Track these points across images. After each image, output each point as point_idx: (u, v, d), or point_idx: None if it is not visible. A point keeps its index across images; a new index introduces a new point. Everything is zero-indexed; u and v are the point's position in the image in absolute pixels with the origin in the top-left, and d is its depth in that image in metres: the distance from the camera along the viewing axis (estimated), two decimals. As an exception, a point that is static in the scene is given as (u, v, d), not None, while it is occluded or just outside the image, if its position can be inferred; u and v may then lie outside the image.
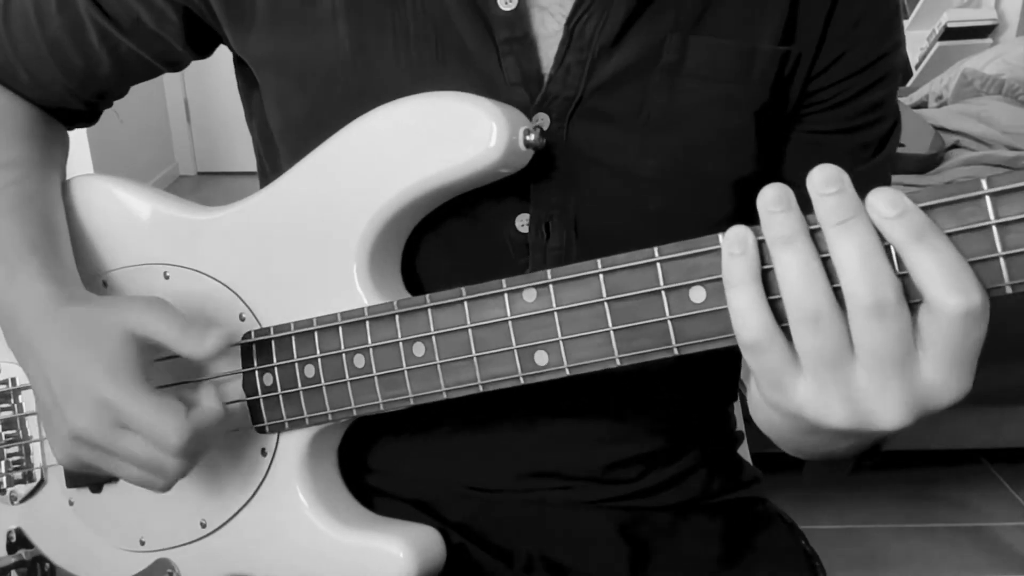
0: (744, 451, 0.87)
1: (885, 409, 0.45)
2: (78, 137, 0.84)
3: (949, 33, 3.16)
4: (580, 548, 0.72)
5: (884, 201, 0.43)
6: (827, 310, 0.44)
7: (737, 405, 0.88)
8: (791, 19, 0.63)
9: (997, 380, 1.83)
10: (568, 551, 0.72)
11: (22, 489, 0.75)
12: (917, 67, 3.24)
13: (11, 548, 0.76)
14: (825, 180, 0.44)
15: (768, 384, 0.48)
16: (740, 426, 0.87)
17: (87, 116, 0.80)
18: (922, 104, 2.63)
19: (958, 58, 2.84)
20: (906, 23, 3.33)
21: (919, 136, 2.01)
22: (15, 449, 0.75)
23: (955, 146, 2.09)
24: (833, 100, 0.66)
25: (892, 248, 0.44)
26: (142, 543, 0.71)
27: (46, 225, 0.68)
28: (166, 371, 0.68)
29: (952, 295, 0.42)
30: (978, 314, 0.43)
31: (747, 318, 0.46)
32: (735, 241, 0.46)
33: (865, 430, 0.46)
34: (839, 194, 0.44)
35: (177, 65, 0.76)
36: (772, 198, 0.45)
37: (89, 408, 0.59)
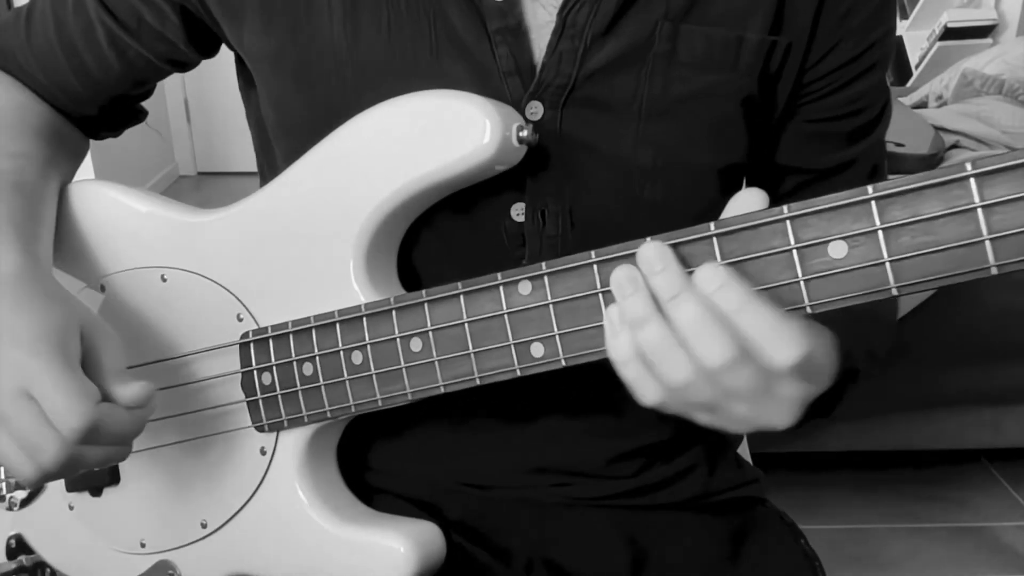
0: (744, 451, 0.87)
1: (775, 416, 0.52)
2: (78, 137, 0.84)
3: (949, 33, 3.16)
4: (579, 548, 0.72)
5: (703, 277, 0.48)
6: (692, 376, 0.49)
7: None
8: (780, 8, 0.63)
9: (997, 380, 1.83)
10: (567, 551, 0.72)
11: (21, 495, 0.75)
12: (917, 67, 3.24)
13: (11, 554, 0.76)
14: (650, 260, 0.49)
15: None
16: (740, 425, 0.87)
17: (108, 124, 0.81)
18: (922, 104, 2.63)
19: (958, 58, 2.84)
20: (906, 23, 3.33)
21: (919, 136, 2.01)
22: None
23: (955, 146, 2.09)
24: (827, 89, 0.66)
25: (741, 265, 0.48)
26: (143, 545, 0.71)
27: (33, 215, 0.68)
28: (159, 374, 0.69)
29: (780, 352, 0.47)
30: (803, 364, 0.48)
31: (644, 388, 0.51)
32: (615, 318, 0.51)
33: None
34: (664, 272, 0.48)
35: (185, 65, 0.77)
36: (623, 280, 0.50)
37: (3, 365, 0.56)
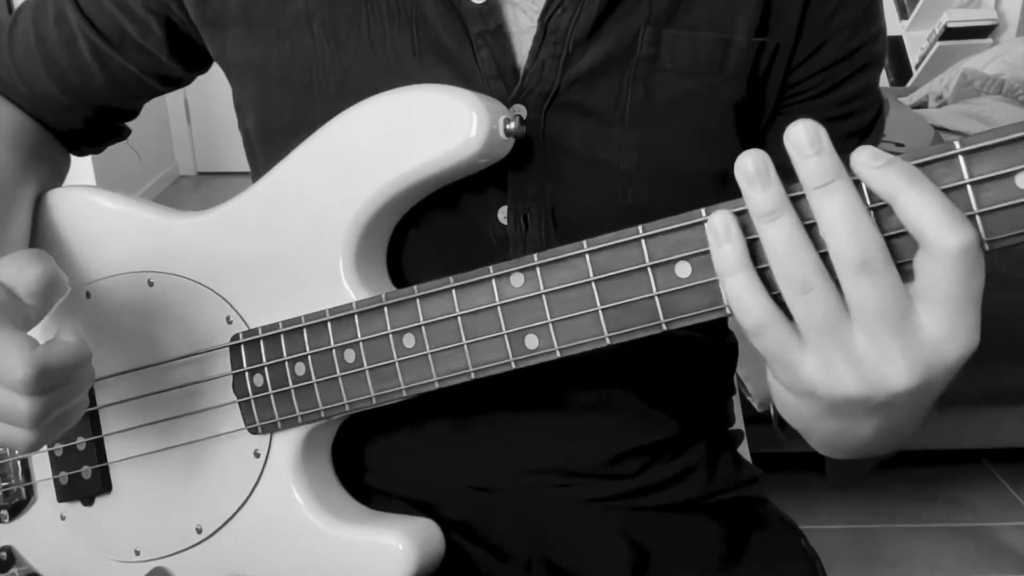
0: (744, 450, 0.87)
1: (892, 368, 0.45)
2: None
3: (949, 33, 3.16)
4: (580, 548, 0.72)
5: (868, 154, 0.44)
6: (817, 277, 0.45)
7: (737, 404, 0.88)
8: (766, 10, 0.63)
9: (997, 380, 1.83)
10: (568, 551, 0.72)
11: (12, 507, 0.74)
12: (917, 67, 3.25)
13: (2, 567, 0.75)
14: (806, 142, 0.44)
15: (777, 365, 0.48)
16: (740, 425, 0.87)
17: (90, 139, 0.81)
18: (922, 104, 2.63)
19: (958, 58, 2.85)
20: (906, 23, 3.33)
21: (919, 136, 2.01)
22: (2, 467, 0.74)
23: (955, 146, 2.09)
24: (814, 91, 0.66)
25: (873, 213, 0.45)
26: (137, 553, 0.71)
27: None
28: (149, 379, 0.68)
29: (951, 233, 0.42)
30: (976, 252, 0.43)
31: (746, 303, 0.46)
32: (721, 230, 0.47)
33: (879, 396, 0.46)
34: (819, 155, 0.44)
35: (176, 82, 0.77)
36: (752, 172, 0.45)
37: None
